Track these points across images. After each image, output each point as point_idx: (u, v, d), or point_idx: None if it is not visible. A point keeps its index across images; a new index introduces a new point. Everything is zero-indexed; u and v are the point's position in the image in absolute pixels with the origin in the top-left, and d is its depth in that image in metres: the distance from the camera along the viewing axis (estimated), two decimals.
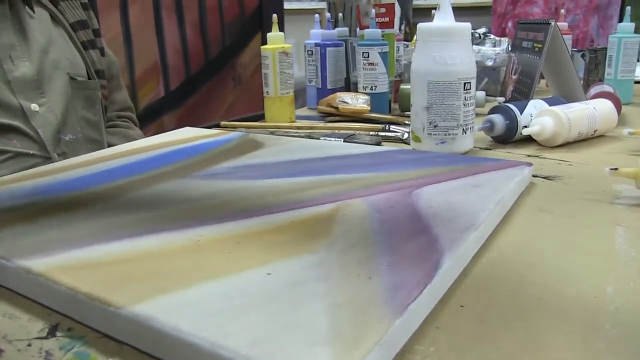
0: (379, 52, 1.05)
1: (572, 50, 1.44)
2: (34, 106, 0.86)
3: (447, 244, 0.41)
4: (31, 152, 0.85)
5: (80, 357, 0.33)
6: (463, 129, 0.76)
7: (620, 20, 1.19)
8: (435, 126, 0.75)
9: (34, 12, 0.90)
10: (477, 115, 0.85)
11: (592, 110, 0.83)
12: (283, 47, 1.04)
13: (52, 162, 0.86)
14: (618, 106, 0.92)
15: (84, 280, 0.37)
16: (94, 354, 0.33)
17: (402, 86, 1.13)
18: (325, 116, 1.10)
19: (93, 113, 0.97)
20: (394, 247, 0.41)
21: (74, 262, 0.40)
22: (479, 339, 0.33)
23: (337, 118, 1.06)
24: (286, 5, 2.61)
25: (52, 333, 0.35)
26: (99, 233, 0.46)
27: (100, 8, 1.63)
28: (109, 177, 0.63)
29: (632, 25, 1.17)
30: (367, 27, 1.09)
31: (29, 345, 0.34)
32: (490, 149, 0.82)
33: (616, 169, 0.57)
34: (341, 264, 0.39)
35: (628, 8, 1.21)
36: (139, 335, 0.33)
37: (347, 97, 1.04)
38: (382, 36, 1.10)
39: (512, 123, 0.82)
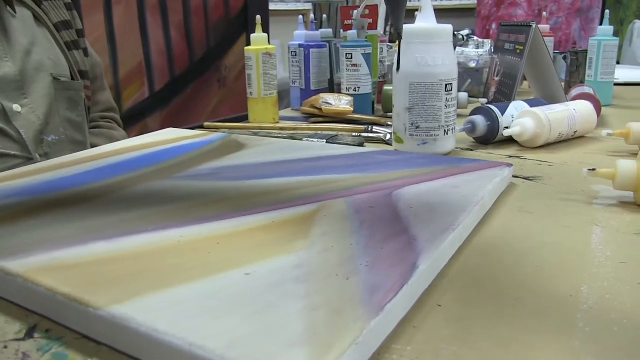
0: (362, 54, 1.06)
1: (554, 52, 1.46)
2: (16, 107, 0.86)
3: (425, 244, 0.42)
4: (12, 152, 0.85)
5: (59, 358, 0.33)
6: (445, 130, 0.76)
7: (602, 23, 1.20)
8: (417, 127, 0.76)
9: (15, 12, 0.90)
10: (460, 116, 0.86)
11: (573, 112, 0.84)
12: (267, 48, 1.04)
13: (34, 162, 0.86)
14: (598, 108, 0.94)
15: (62, 281, 0.37)
16: (72, 354, 0.33)
17: (386, 87, 1.13)
18: (308, 117, 1.10)
19: (76, 114, 0.96)
20: (373, 248, 0.41)
21: (53, 263, 0.40)
22: (456, 338, 0.34)
23: (320, 119, 1.06)
24: (271, 7, 2.61)
25: (29, 334, 0.35)
26: (79, 234, 0.45)
27: (85, 9, 1.62)
28: (91, 178, 0.63)
29: (611, 28, 1.19)
30: (351, 29, 1.10)
31: (6, 347, 0.34)
32: (471, 150, 0.83)
33: (594, 169, 0.58)
34: (320, 264, 0.39)
35: (607, 12, 1.23)
36: (117, 336, 0.33)
37: (330, 98, 1.05)
38: (366, 38, 1.10)
39: (494, 124, 0.83)
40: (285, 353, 0.29)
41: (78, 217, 0.50)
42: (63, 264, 0.40)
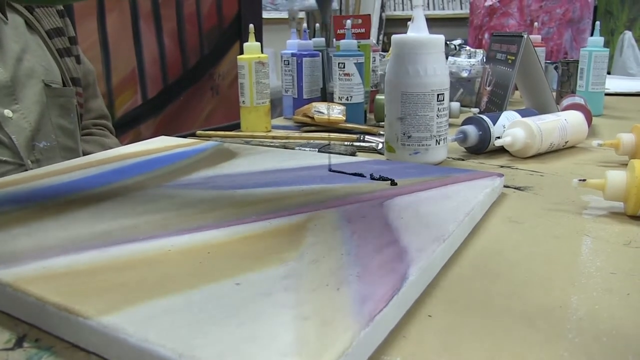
0: (355, 63, 1.06)
1: (545, 63, 1.47)
2: (7, 112, 0.86)
3: (416, 255, 0.42)
4: (4, 158, 0.85)
5: None
6: (436, 140, 0.77)
7: (592, 34, 1.21)
8: (409, 137, 0.76)
9: (6, 18, 0.90)
10: (452, 125, 0.86)
11: (564, 122, 0.85)
12: (259, 57, 1.05)
13: (26, 169, 0.85)
14: (589, 118, 0.94)
15: (52, 290, 0.37)
16: None
17: (378, 96, 1.14)
18: (301, 126, 1.10)
19: (68, 121, 0.96)
20: (364, 258, 0.41)
21: (42, 272, 0.40)
22: (446, 349, 0.34)
23: (312, 128, 1.07)
24: (265, 15, 2.62)
25: (19, 344, 0.35)
26: (69, 243, 0.45)
27: (78, 16, 1.62)
28: (81, 186, 0.63)
29: (602, 39, 1.20)
30: (343, 38, 1.10)
31: None
32: (463, 160, 0.83)
33: (584, 180, 0.58)
34: (311, 274, 0.39)
35: (598, 23, 1.23)
36: (107, 345, 0.33)
37: (322, 107, 1.05)
38: (358, 47, 1.11)
39: (485, 134, 0.84)
40: None
41: (68, 226, 0.50)
42: (53, 273, 0.40)
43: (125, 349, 0.32)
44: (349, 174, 0.66)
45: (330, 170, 0.67)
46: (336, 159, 0.74)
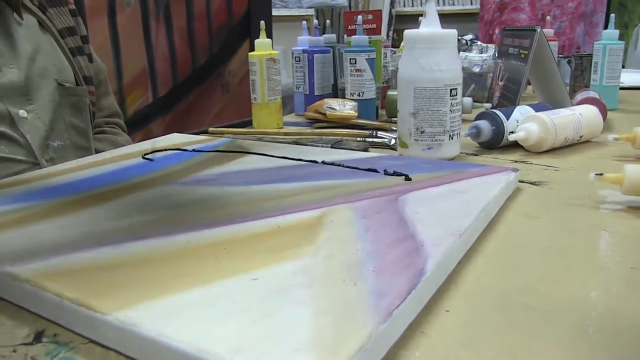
0: (366, 59, 1.06)
1: (558, 57, 1.46)
2: (22, 112, 0.86)
3: (432, 249, 0.41)
4: (19, 157, 0.85)
5: None
6: (450, 135, 0.76)
7: (606, 28, 1.20)
8: (422, 132, 0.76)
9: (22, 18, 0.90)
10: (464, 121, 0.86)
11: (578, 116, 0.84)
12: (270, 53, 1.05)
13: (41, 168, 0.86)
14: (603, 112, 0.93)
15: (70, 286, 0.37)
16: (80, 359, 0.33)
17: (390, 92, 1.13)
18: (312, 122, 1.10)
19: (81, 119, 0.96)
20: (380, 253, 0.41)
21: (60, 268, 0.40)
22: (464, 344, 0.34)
23: (324, 124, 1.06)
24: (274, 12, 2.62)
25: (37, 339, 0.35)
26: (86, 239, 0.45)
27: (89, 15, 1.62)
28: (97, 183, 0.63)
29: (617, 32, 1.18)
30: (354, 34, 1.10)
31: (14, 351, 0.34)
32: (476, 155, 0.83)
33: (601, 174, 0.58)
34: (327, 270, 0.39)
35: (612, 15, 1.22)
36: (125, 341, 0.33)
37: (334, 103, 1.05)
38: (369, 43, 1.10)
39: (499, 129, 0.83)
40: (292, 358, 0.29)
41: (85, 222, 0.50)
42: (71, 269, 0.40)
43: (143, 344, 0.32)
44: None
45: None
46: (349, 155, 0.73)
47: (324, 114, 1.04)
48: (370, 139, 0.92)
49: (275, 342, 0.30)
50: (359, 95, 1.08)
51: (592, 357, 0.32)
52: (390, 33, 3.73)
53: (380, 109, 1.20)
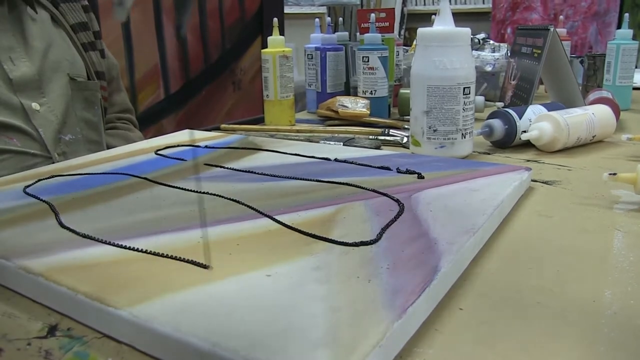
0: (379, 57, 1.06)
1: (570, 56, 1.45)
2: (35, 105, 0.86)
3: (445, 247, 0.41)
4: (32, 151, 0.85)
5: (80, 357, 0.33)
6: (462, 134, 0.76)
7: (619, 27, 1.19)
8: (434, 130, 0.76)
9: (36, 12, 0.91)
10: (476, 120, 0.85)
11: (591, 116, 0.84)
12: (283, 50, 1.05)
13: (53, 161, 0.86)
14: (616, 112, 0.93)
15: (84, 280, 0.37)
16: (93, 353, 0.33)
17: (402, 90, 1.13)
18: (324, 120, 1.10)
19: (92, 114, 0.97)
20: (394, 250, 0.41)
21: (74, 262, 0.40)
22: (478, 342, 0.33)
23: (336, 122, 1.06)
24: (286, 10, 2.62)
25: (51, 333, 0.35)
26: (100, 234, 0.46)
27: (101, 11, 1.63)
28: (110, 178, 0.63)
29: (630, 32, 1.18)
30: (367, 32, 1.10)
31: (29, 344, 0.34)
32: (489, 154, 0.83)
33: (615, 174, 0.58)
34: (341, 266, 0.39)
35: (626, 15, 1.21)
36: (138, 335, 0.33)
37: (346, 101, 1.04)
38: (382, 41, 1.10)
39: (511, 128, 0.83)
40: (307, 354, 0.29)
41: (99, 217, 0.50)
42: (84, 263, 0.40)
43: (156, 339, 0.32)
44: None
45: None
46: (361, 153, 0.73)
47: (336, 112, 1.04)
48: (382, 137, 0.92)
49: (290, 338, 0.30)
50: (372, 93, 1.08)
51: (608, 356, 0.32)
52: (402, 31, 3.73)
53: (393, 107, 1.20)
